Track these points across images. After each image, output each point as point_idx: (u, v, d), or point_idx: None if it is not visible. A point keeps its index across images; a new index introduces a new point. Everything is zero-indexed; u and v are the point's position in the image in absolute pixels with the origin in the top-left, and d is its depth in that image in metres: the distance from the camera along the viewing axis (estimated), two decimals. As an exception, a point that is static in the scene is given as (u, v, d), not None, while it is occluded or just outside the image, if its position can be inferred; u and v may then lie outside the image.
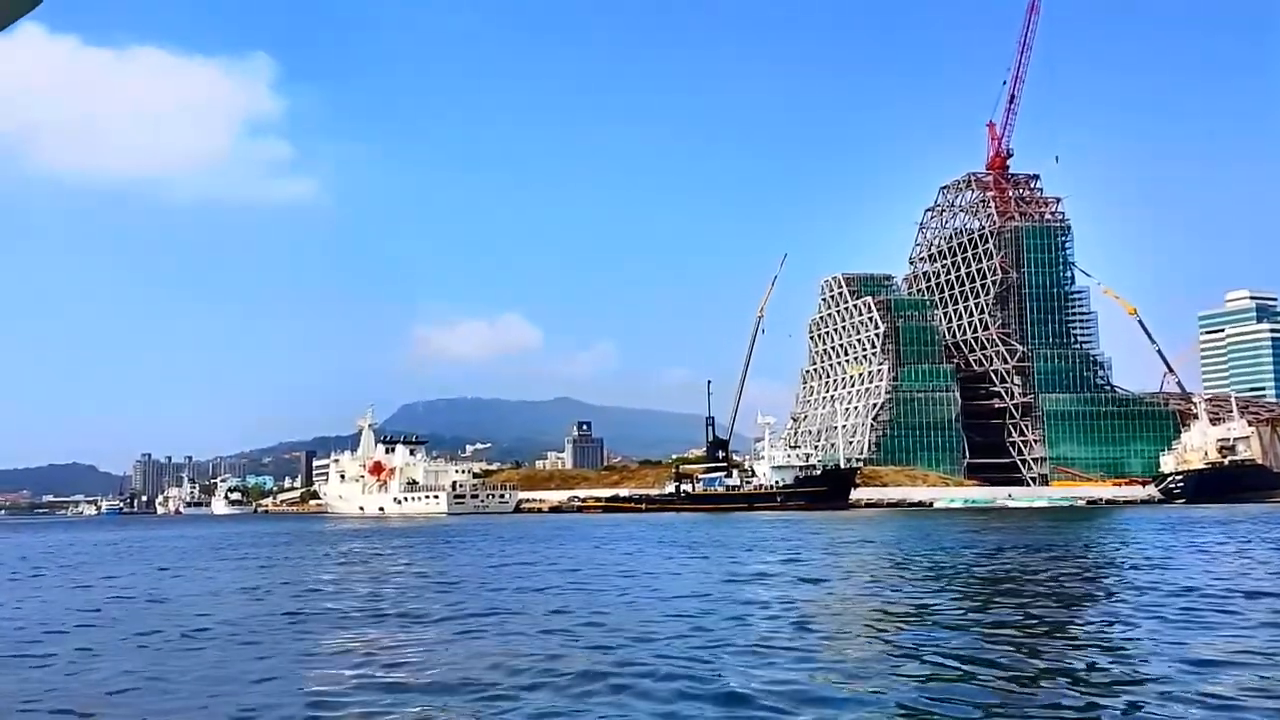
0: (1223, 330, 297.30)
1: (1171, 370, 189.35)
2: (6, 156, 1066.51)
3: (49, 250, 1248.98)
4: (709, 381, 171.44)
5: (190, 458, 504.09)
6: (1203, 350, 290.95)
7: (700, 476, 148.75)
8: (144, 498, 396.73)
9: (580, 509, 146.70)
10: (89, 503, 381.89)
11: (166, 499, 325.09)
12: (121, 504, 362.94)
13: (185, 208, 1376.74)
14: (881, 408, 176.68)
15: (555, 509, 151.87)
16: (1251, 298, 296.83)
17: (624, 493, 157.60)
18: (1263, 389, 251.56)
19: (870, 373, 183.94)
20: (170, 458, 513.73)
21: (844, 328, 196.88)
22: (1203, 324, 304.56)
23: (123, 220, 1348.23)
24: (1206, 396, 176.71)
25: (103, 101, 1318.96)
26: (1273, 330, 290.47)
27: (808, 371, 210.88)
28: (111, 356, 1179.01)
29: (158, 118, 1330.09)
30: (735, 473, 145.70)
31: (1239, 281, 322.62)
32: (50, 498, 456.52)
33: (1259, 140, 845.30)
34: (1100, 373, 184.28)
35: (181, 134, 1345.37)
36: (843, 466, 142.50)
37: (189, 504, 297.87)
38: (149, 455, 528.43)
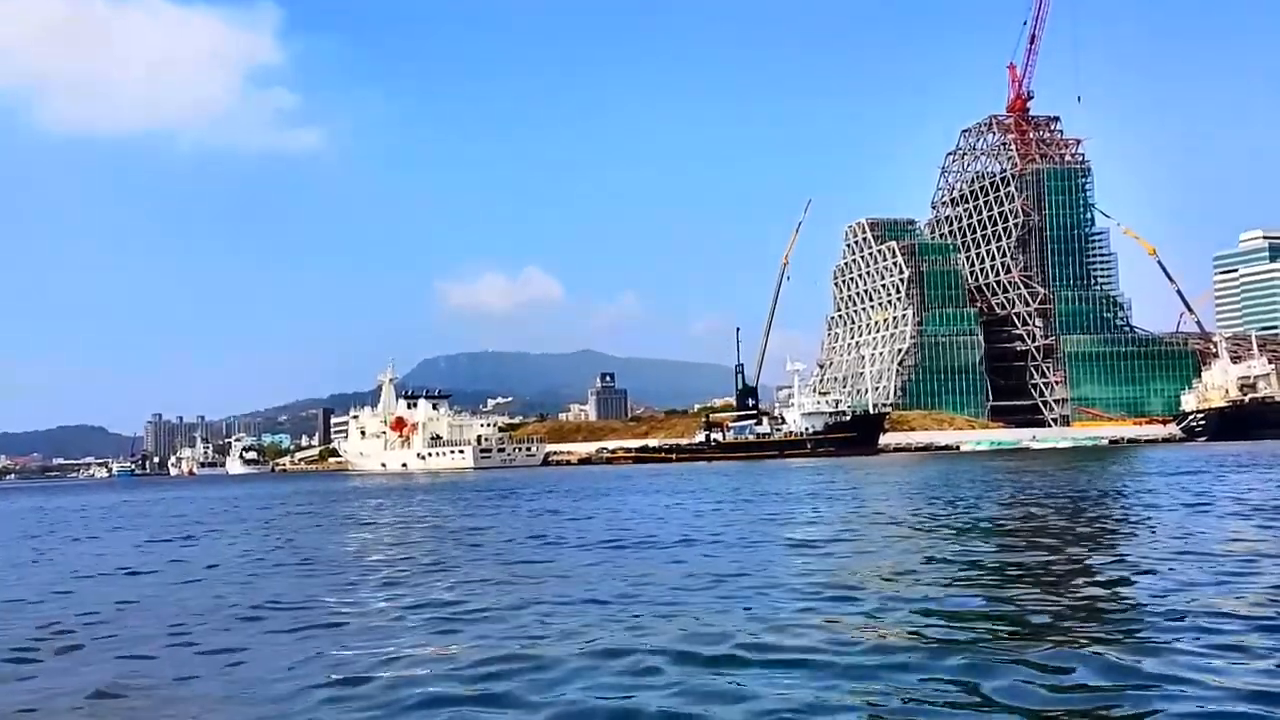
0: (1237, 270, 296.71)
1: (1190, 310, 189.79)
2: (9, 113, 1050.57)
3: (52, 208, 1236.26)
4: (738, 329, 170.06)
5: (203, 417, 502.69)
6: (1217, 290, 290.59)
7: (731, 425, 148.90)
8: (156, 459, 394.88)
9: (609, 460, 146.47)
10: (100, 465, 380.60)
11: (179, 460, 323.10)
12: (133, 466, 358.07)
13: (192, 161, 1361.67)
14: (907, 352, 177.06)
15: (584, 461, 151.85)
16: (1265, 237, 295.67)
17: (653, 443, 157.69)
18: (1276, 328, 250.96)
19: (895, 318, 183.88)
20: (182, 418, 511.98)
21: (868, 273, 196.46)
22: (1217, 264, 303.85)
23: (128, 176, 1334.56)
24: (1227, 335, 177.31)
25: (102, 53, 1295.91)
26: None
27: (833, 318, 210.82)
28: (119, 315, 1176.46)
29: (160, 69, 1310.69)
30: (765, 420, 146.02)
31: (1253, 221, 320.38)
32: (60, 460, 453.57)
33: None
34: (1120, 313, 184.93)
35: (185, 85, 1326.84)
36: (871, 412, 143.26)
37: (203, 464, 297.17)
38: (160, 415, 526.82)
